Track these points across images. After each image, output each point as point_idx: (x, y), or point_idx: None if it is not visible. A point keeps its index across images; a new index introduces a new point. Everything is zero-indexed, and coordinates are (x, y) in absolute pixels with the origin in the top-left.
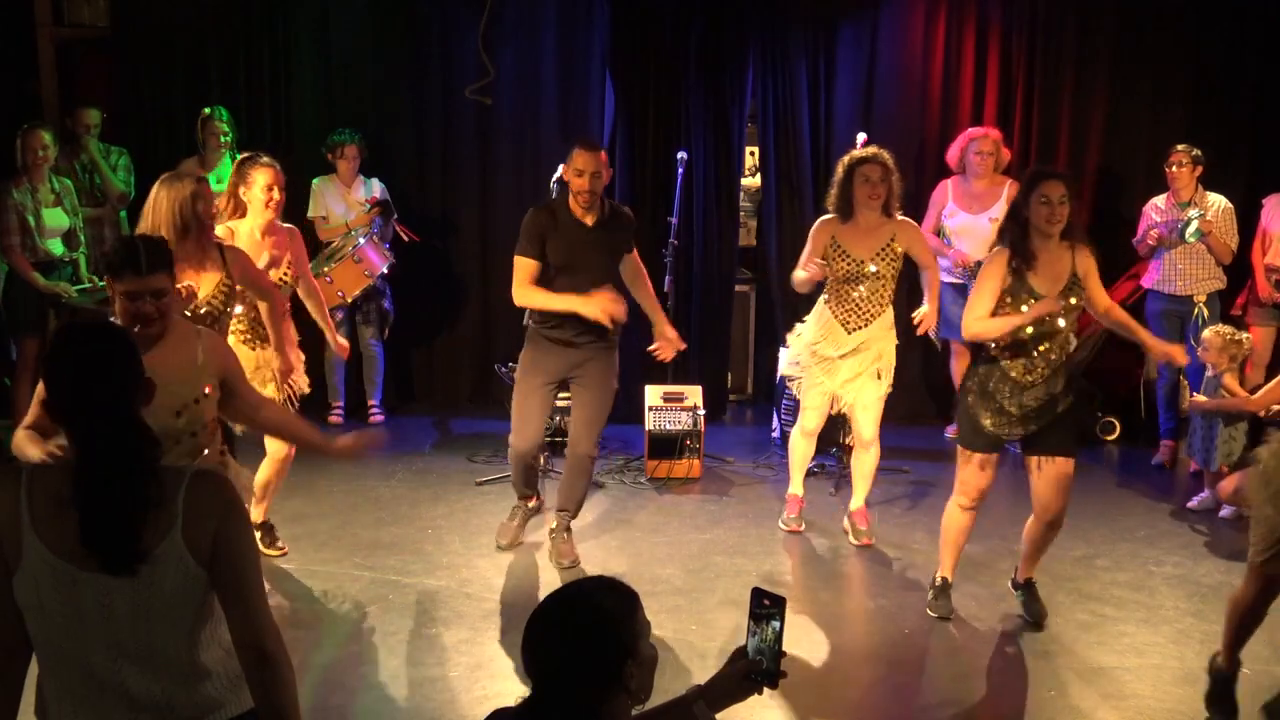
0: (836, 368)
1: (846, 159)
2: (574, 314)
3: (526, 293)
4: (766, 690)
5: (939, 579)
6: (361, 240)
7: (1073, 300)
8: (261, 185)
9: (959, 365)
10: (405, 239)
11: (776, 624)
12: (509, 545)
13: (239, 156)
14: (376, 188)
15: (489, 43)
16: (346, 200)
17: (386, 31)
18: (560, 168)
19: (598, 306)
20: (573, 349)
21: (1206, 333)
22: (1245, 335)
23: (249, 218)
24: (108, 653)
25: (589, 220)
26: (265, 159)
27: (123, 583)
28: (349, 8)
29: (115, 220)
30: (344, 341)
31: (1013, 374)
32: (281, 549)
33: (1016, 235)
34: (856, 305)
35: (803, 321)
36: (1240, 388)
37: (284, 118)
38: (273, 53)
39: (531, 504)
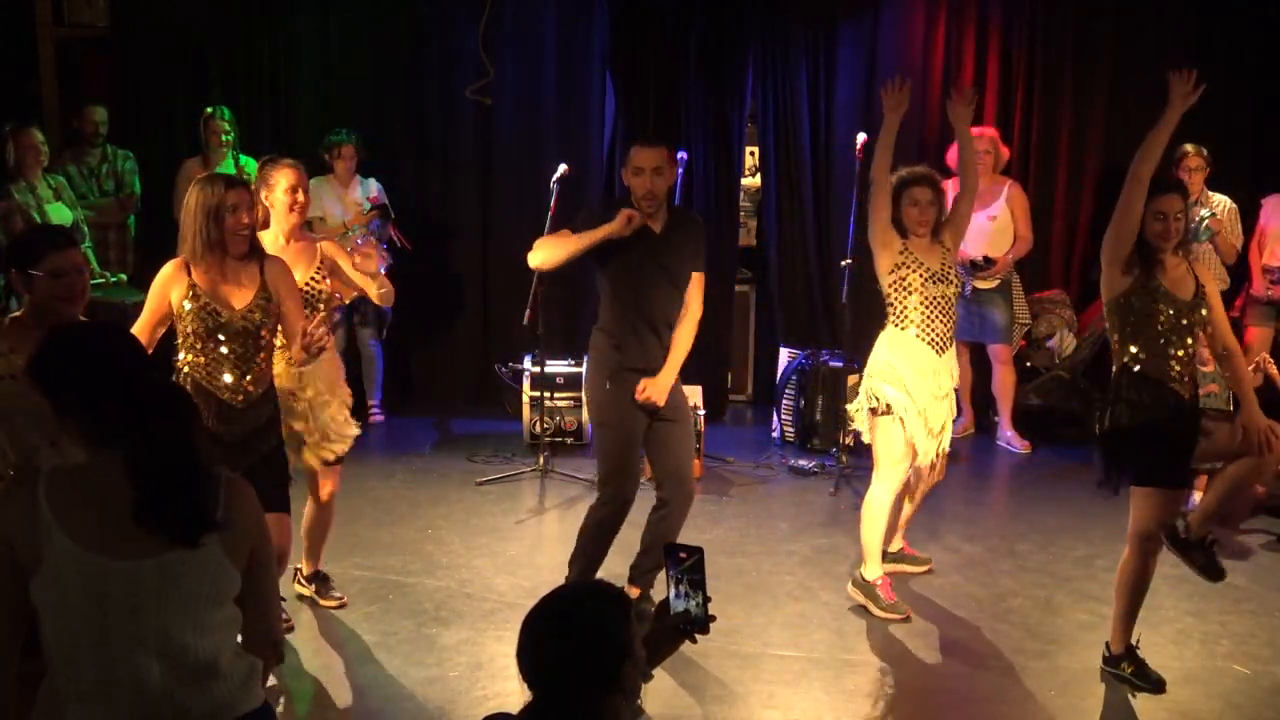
0: (934, 407)
1: (894, 178)
2: (642, 338)
3: (544, 243)
4: (765, 686)
5: (1137, 641)
6: (359, 241)
7: (1203, 312)
8: (283, 188)
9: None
10: (398, 244)
11: (698, 574)
12: None
13: (265, 158)
14: (374, 188)
15: (489, 43)
16: (344, 201)
17: (386, 31)
18: (561, 167)
19: (620, 222)
20: (651, 376)
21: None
22: None
23: (273, 224)
24: (129, 648)
25: (656, 226)
26: (287, 160)
27: (151, 573)
28: (349, 8)
29: (122, 224)
30: (383, 289)
31: (1175, 388)
32: (339, 599)
33: (1137, 247)
34: (941, 318)
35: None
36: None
37: (284, 118)
38: (273, 53)
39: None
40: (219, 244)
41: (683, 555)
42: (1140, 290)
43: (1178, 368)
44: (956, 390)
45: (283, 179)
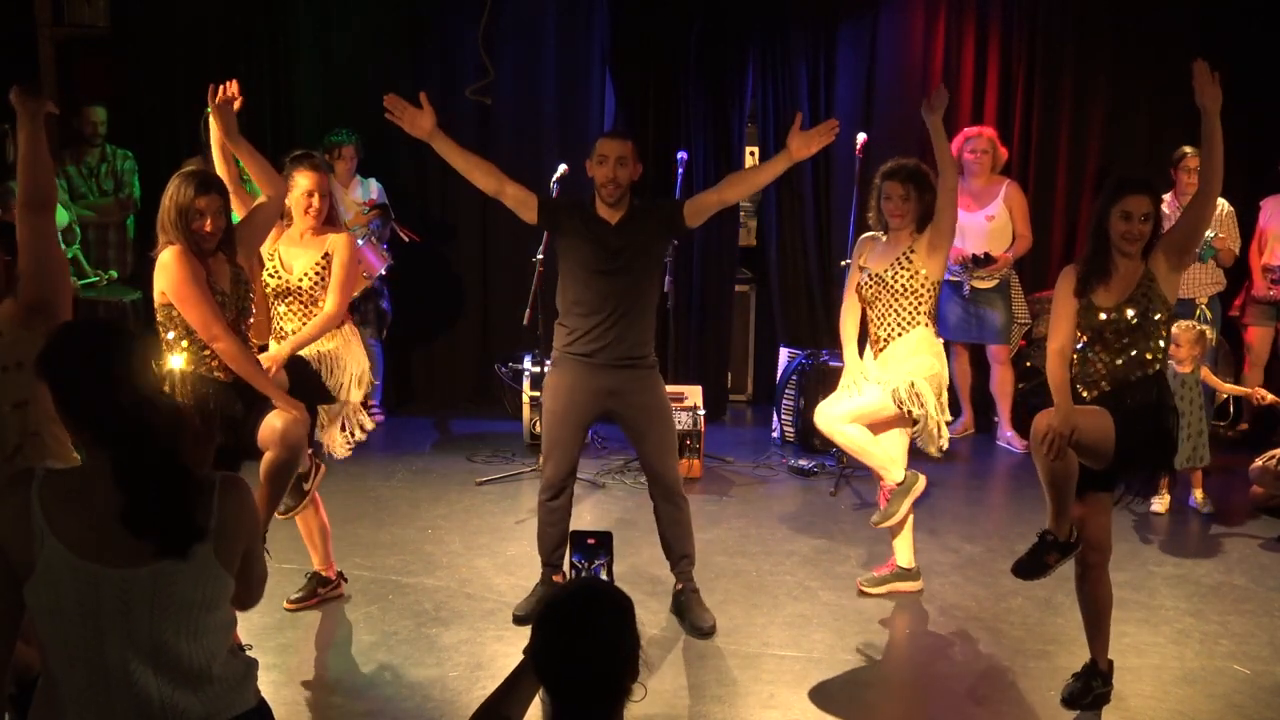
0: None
1: (879, 172)
2: (591, 325)
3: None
4: (765, 686)
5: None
6: (359, 241)
7: (1148, 313)
8: (302, 189)
9: (958, 366)
10: (405, 239)
11: (604, 558)
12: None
13: (292, 154)
14: (374, 188)
15: (489, 43)
16: (344, 201)
17: (386, 31)
18: (560, 167)
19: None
20: (603, 371)
21: (1174, 328)
22: (1207, 327)
23: (294, 224)
24: (122, 653)
25: (612, 218)
26: (310, 160)
27: (143, 580)
28: (349, 7)
29: (122, 224)
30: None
31: (1077, 386)
32: (338, 592)
33: (1094, 247)
34: (872, 324)
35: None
36: (1221, 380)
37: (284, 118)
38: (273, 53)
39: (559, 580)
40: (187, 241)
41: (590, 540)
42: (1080, 307)
43: (1094, 359)
44: (954, 389)
45: (302, 180)
